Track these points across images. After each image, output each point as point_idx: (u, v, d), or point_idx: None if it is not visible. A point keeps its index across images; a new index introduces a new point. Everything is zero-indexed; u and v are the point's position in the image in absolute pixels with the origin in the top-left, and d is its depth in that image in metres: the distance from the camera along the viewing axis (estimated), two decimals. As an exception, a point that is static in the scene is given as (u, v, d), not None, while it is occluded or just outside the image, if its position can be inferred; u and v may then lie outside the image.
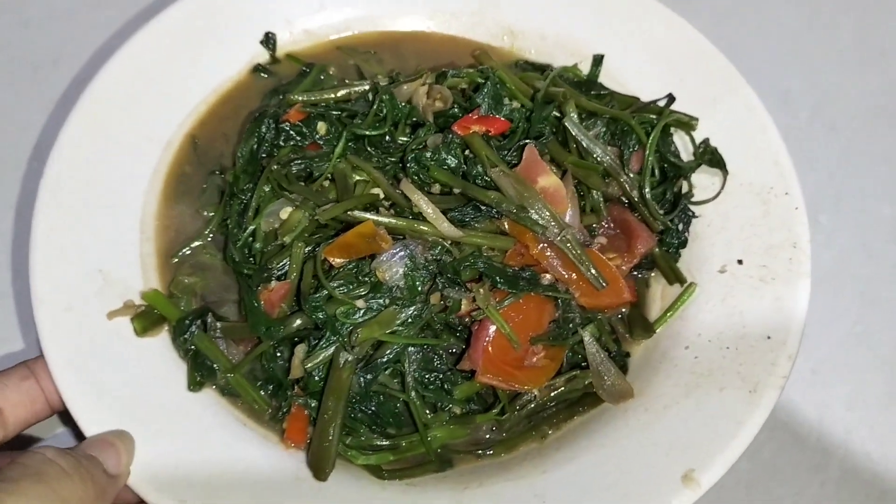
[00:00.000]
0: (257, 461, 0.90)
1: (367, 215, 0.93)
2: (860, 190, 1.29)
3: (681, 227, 1.09)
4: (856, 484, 1.07)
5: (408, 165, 1.01)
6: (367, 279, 0.93)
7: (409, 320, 0.92)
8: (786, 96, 1.36)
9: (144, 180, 1.08)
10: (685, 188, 1.11)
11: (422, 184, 1.02)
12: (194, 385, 0.94)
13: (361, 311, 0.92)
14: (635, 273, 1.09)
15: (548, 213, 0.96)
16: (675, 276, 1.06)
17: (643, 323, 1.03)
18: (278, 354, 0.96)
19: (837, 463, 1.08)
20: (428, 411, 0.94)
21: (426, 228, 0.94)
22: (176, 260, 1.05)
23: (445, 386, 0.94)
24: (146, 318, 0.96)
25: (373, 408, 0.93)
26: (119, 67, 1.10)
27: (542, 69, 1.22)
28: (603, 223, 1.08)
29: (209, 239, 1.07)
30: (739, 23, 1.44)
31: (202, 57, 1.17)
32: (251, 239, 1.01)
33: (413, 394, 0.93)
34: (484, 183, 1.00)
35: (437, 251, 0.94)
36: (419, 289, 0.92)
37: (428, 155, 1.01)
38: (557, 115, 1.09)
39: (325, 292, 0.92)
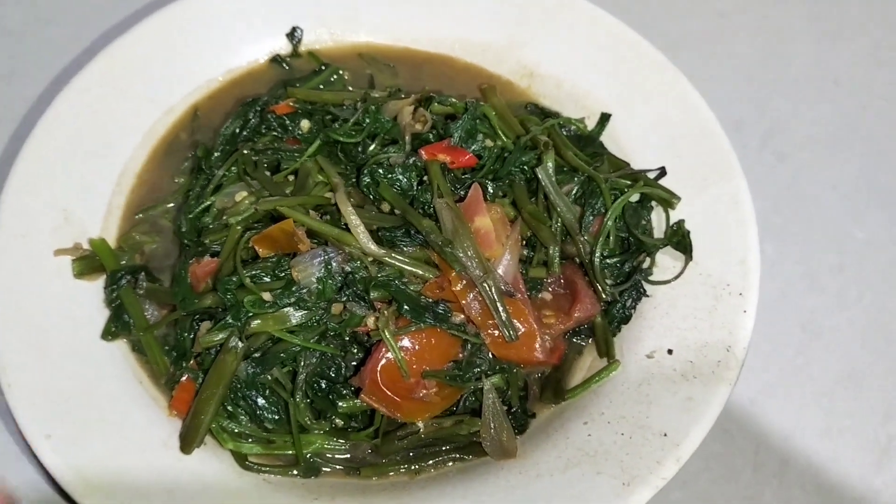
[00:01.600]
0: (136, 417, 0.94)
1: (294, 213, 0.95)
2: (807, 219, 1.29)
3: (629, 302, 1.05)
4: None
5: (362, 176, 1.03)
6: (283, 276, 0.95)
7: (308, 324, 0.94)
8: (738, 125, 1.37)
9: (136, 138, 1.16)
10: (647, 264, 1.07)
11: (372, 198, 1.03)
12: (108, 335, 1.00)
13: (267, 305, 0.94)
14: (574, 338, 1.06)
15: (474, 254, 0.95)
16: (605, 350, 1.02)
17: (556, 388, 1.00)
18: (196, 327, 0.99)
19: (771, 493, 1.06)
20: (310, 416, 0.95)
21: (349, 239, 0.95)
22: (138, 217, 1.11)
23: (332, 396, 0.95)
24: (86, 263, 1.03)
25: (258, 399, 0.95)
26: (146, 31, 1.18)
27: (549, 115, 1.21)
28: (550, 279, 1.05)
29: (171, 205, 1.12)
30: (695, 51, 1.46)
31: (227, 37, 1.23)
32: (204, 213, 1.05)
33: (298, 396, 0.94)
34: (427, 211, 1.00)
35: (356, 265, 0.95)
36: (328, 296, 0.94)
37: (381, 171, 1.02)
38: (536, 162, 1.08)
39: (239, 277, 0.95)
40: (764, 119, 1.41)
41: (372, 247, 0.95)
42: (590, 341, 1.06)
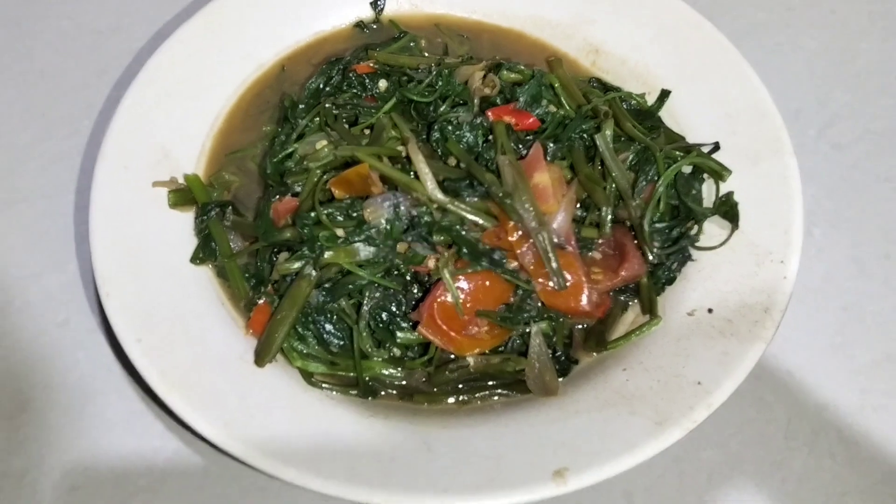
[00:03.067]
0: (216, 333, 1.04)
1: (369, 159, 1.04)
2: (857, 208, 1.32)
3: (675, 265, 1.11)
4: (817, 483, 1.09)
5: (432, 132, 1.12)
6: (355, 215, 1.05)
7: (375, 260, 1.03)
8: (797, 114, 1.41)
9: (229, 88, 1.26)
10: (694, 231, 1.13)
11: (440, 152, 1.12)
12: (196, 259, 1.10)
13: (339, 240, 1.03)
14: (620, 296, 1.12)
15: (531, 207, 1.02)
16: (649, 308, 1.09)
17: (599, 338, 1.07)
18: (274, 258, 1.09)
19: (801, 461, 1.10)
20: (371, 344, 1.04)
21: (417, 186, 1.04)
22: (227, 157, 1.21)
23: (392, 327, 1.03)
24: (180, 195, 1.14)
25: (326, 325, 1.04)
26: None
27: (611, 90, 1.27)
28: (601, 240, 1.12)
29: (257, 150, 1.22)
30: (760, 41, 1.50)
31: (315, 4, 1.33)
32: (287, 158, 1.15)
33: (361, 325, 1.03)
34: (490, 166, 1.08)
35: (422, 210, 1.04)
36: (394, 236, 1.03)
37: (450, 128, 1.10)
38: (595, 130, 1.15)
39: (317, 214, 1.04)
40: (823, 110, 1.45)
41: (438, 194, 1.03)
42: (635, 300, 1.12)
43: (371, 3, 1.36)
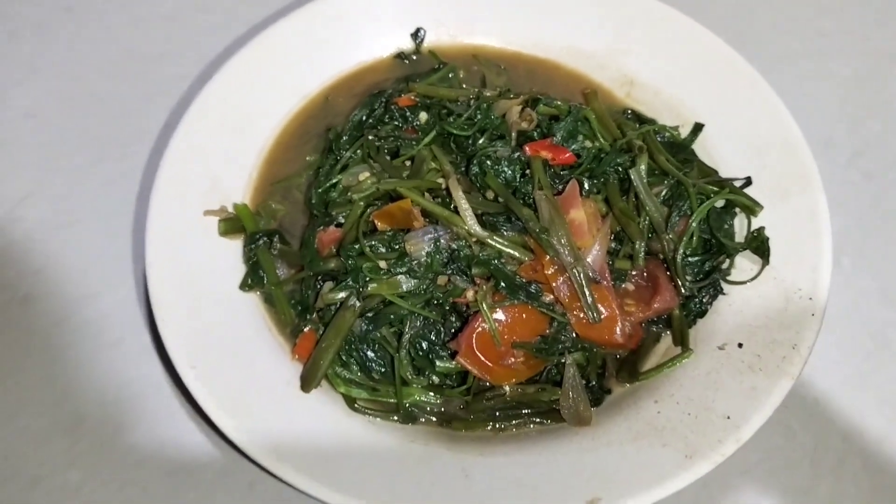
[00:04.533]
0: (264, 358, 1.09)
1: (411, 194, 1.09)
2: (886, 237, 1.34)
3: (706, 298, 1.14)
4: None
5: (471, 166, 1.16)
6: (397, 247, 1.09)
7: (416, 291, 1.07)
8: (828, 141, 1.43)
9: (277, 119, 1.31)
10: (726, 264, 1.16)
11: (479, 186, 1.16)
12: (245, 286, 1.16)
13: (382, 272, 1.08)
14: (653, 327, 1.16)
15: (567, 242, 1.06)
16: (681, 340, 1.12)
17: (632, 369, 1.10)
18: (317, 286, 1.14)
19: (827, 489, 1.13)
20: (411, 372, 1.09)
21: (457, 221, 1.08)
22: (273, 186, 1.26)
23: (431, 356, 1.08)
24: (230, 223, 1.19)
25: (369, 353, 1.09)
26: (288, 26, 1.33)
27: (646, 122, 1.31)
28: (634, 272, 1.16)
29: (303, 179, 1.27)
30: (792, 67, 1.53)
31: (358, 34, 1.38)
32: (331, 189, 1.20)
33: (403, 352, 1.08)
34: (527, 201, 1.12)
35: (461, 243, 1.08)
36: (435, 269, 1.07)
37: (489, 162, 1.15)
38: (630, 164, 1.19)
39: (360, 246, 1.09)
40: (854, 138, 1.47)
41: (477, 228, 1.08)
42: (667, 331, 1.16)
43: (411, 35, 1.40)
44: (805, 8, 1.65)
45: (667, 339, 1.15)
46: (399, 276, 1.07)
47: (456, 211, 1.09)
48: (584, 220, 1.07)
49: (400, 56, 1.40)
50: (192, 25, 1.56)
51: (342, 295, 1.08)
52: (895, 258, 1.33)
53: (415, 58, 1.41)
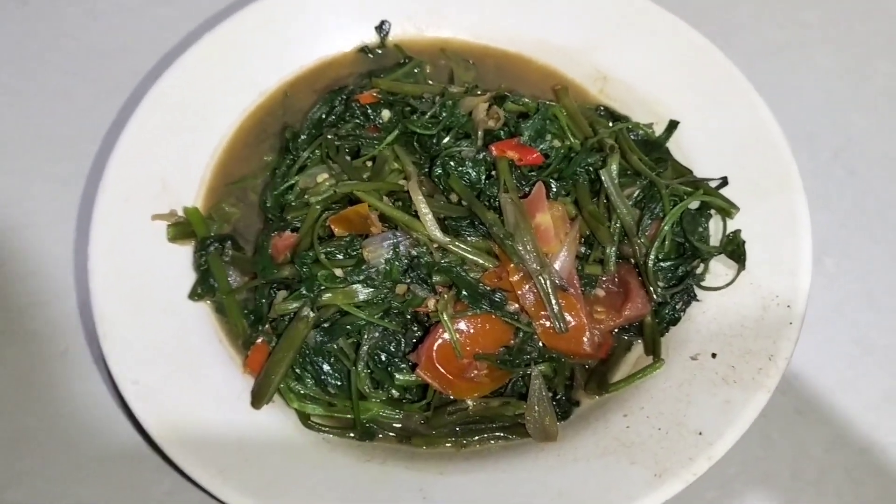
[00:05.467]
0: (214, 372, 1.04)
1: (369, 198, 1.03)
2: (870, 235, 1.29)
3: (679, 305, 1.09)
4: None
5: (434, 167, 1.10)
6: (355, 254, 1.04)
7: (373, 301, 1.02)
8: (811, 137, 1.38)
9: (231, 117, 1.25)
10: (700, 269, 1.11)
11: (442, 188, 1.10)
12: (194, 295, 1.10)
13: (338, 280, 1.02)
14: (623, 335, 1.11)
15: (532, 248, 1.01)
16: (652, 349, 1.07)
17: (601, 380, 1.05)
18: (271, 295, 1.08)
19: (807, 501, 1.09)
20: (369, 386, 1.03)
21: (417, 226, 1.02)
22: (227, 187, 1.20)
23: (390, 369, 1.03)
24: (180, 229, 1.13)
25: (324, 366, 1.04)
26: (246, 18, 1.27)
27: (619, 119, 1.25)
28: (605, 277, 1.10)
29: (259, 181, 1.21)
30: (774, 61, 1.47)
31: (320, 27, 1.31)
32: (287, 191, 1.14)
33: (360, 366, 1.03)
34: (492, 203, 1.07)
35: (422, 250, 1.02)
36: (394, 277, 1.01)
37: (452, 164, 1.09)
38: (601, 164, 1.13)
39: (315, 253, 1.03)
40: (838, 133, 1.42)
41: (437, 234, 1.02)
42: (638, 339, 1.10)
43: (376, 28, 1.34)
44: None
45: (638, 348, 1.10)
46: (356, 285, 1.01)
47: (416, 215, 1.03)
48: (550, 224, 1.02)
49: (364, 50, 1.34)
50: (152, 19, 1.49)
51: (296, 305, 1.02)
52: (880, 258, 1.29)
53: (380, 52, 1.35)
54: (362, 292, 1.01)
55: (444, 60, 1.34)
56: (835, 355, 1.20)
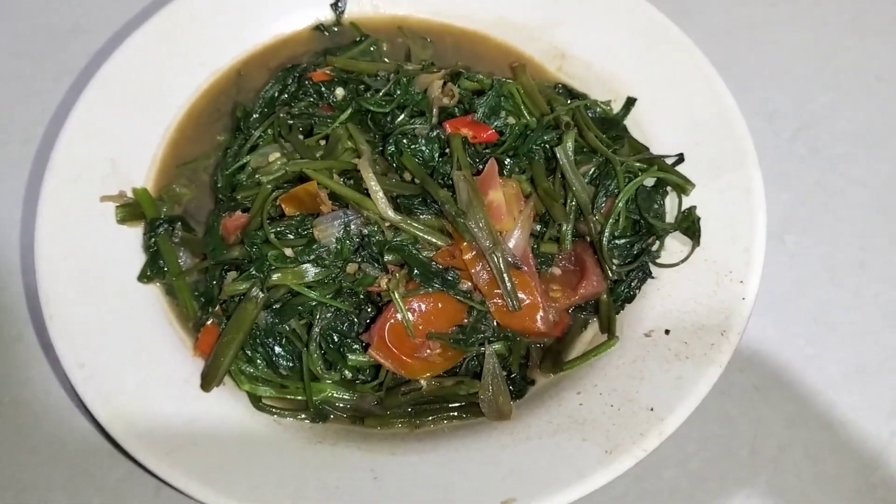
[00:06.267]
0: (163, 355, 1.02)
1: (318, 176, 1.01)
2: (832, 213, 1.29)
3: (634, 282, 1.08)
4: (781, 501, 1.07)
5: (387, 145, 1.08)
6: (305, 234, 1.02)
7: (324, 280, 1.00)
8: (773, 115, 1.38)
9: (184, 96, 1.23)
10: (656, 246, 1.10)
11: (396, 166, 1.09)
12: (144, 278, 1.08)
13: (288, 260, 1.01)
14: (580, 313, 1.10)
15: (485, 226, 1.00)
16: (607, 327, 1.06)
17: (556, 359, 1.05)
18: (223, 276, 1.07)
19: (766, 478, 1.09)
20: (322, 367, 1.02)
21: (368, 204, 1.01)
22: (179, 169, 1.18)
23: (342, 349, 1.01)
24: (129, 210, 1.11)
25: (275, 347, 1.02)
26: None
27: (577, 97, 1.24)
28: (561, 255, 1.09)
29: (211, 161, 1.19)
30: (737, 39, 1.46)
31: (273, 6, 1.29)
32: (239, 171, 1.12)
33: (312, 346, 1.01)
34: (446, 182, 1.05)
35: (373, 229, 1.01)
36: (345, 256, 1.00)
37: (405, 141, 1.07)
38: (557, 141, 1.12)
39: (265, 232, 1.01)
40: (800, 111, 1.41)
41: (389, 212, 1.01)
42: (595, 317, 1.10)
43: (331, 5, 1.32)
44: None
45: (594, 327, 1.09)
46: (306, 265, 1.00)
47: (368, 194, 1.02)
48: (502, 201, 1.01)
49: (319, 28, 1.32)
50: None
51: (245, 286, 1.01)
52: (842, 235, 1.28)
53: (336, 30, 1.33)
54: (312, 272, 1.00)
55: (402, 38, 1.32)
56: (795, 333, 1.20)
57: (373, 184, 1.01)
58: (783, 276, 1.24)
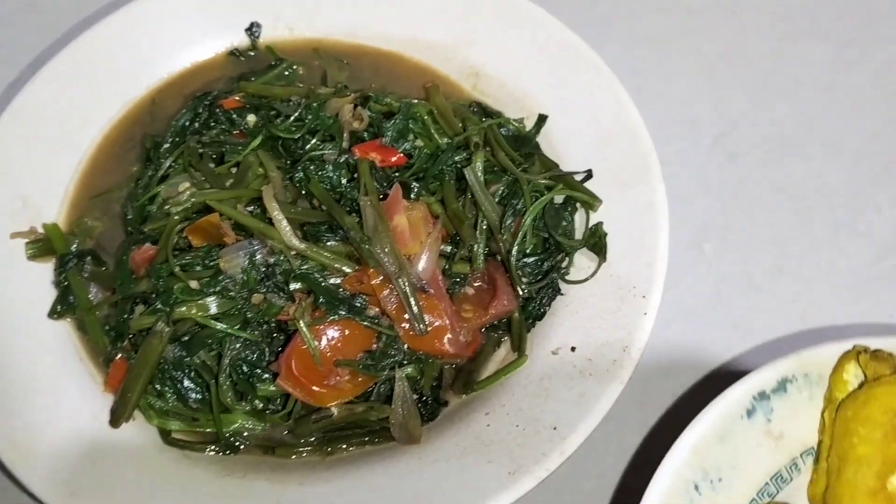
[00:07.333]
0: (70, 391, 1.02)
1: (220, 206, 1.02)
2: (750, 219, 1.30)
3: (544, 299, 1.09)
4: None
5: (296, 172, 1.09)
6: (212, 265, 1.02)
7: (230, 312, 1.00)
8: (693, 122, 1.38)
9: (97, 127, 1.23)
10: (565, 263, 1.11)
11: (304, 193, 1.09)
12: (54, 314, 1.08)
13: (194, 292, 1.01)
14: (493, 332, 1.11)
15: (391, 251, 1.00)
16: (518, 345, 1.07)
17: (467, 379, 1.06)
18: (133, 310, 1.07)
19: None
20: (232, 397, 1.02)
21: (272, 233, 1.01)
22: (92, 201, 1.18)
23: (252, 380, 1.02)
24: (39, 247, 1.11)
25: (184, 380, 1.02)
26: (111, 24, 1.25)
27: (492, 115, 1.25)
28: (474, 275, 1.10)
29: (125, 192, 1.19)
30: (656, 48, 1.46)
31: (189, 32, 1.29)
32: (150, 202, 1.12)
33: (222, 377, 1.01)
34: (355, 208, 1.06)
35: (280, 258, 1.01)
36: (251, 286, 1.00)
37: (312, 168, 1.08)
38: (468, 161, 1.13)
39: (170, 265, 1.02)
40: (720, 118, 1.42)
41: (294, 241, 1.01)
42: (508, 335, 1.11)
43: (246, 30, 1.32)
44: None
45: (507, 345, 1.10)
46: (210, 297, 1.00)
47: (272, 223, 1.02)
48: (406, 227, 1.02)
49: (234, 53, 1.32)
50: (22, 25, 1.45)
51: (151, 320, 1.01)
52: (759, 241, 1.30)
53: (252, 54, 1.33)
54: (217, 304, 1.00)
55: (318, 61, 1.32)
56: (714, 339, 1.21)
57: (276, 213, 1.01)
58: (702, 283, 1.25)
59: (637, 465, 1.11)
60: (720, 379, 1.17)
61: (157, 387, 1.02)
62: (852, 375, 0.92)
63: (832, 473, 0.90)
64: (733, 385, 0.93)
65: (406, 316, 1.01)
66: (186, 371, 1.02)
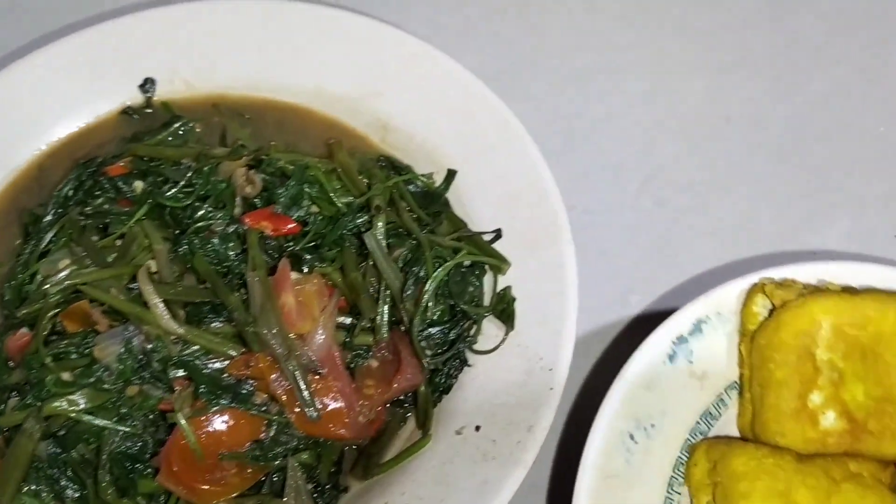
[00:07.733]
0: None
1: (89, 290, 0.95)
2: (679, 268, 1.25)
3: (452, 371, 1.03)
4: None
5: (180, 247, 1.02)
6: (88, 353, 0.95)
7: (104, 405, 0.93)
8: (618, 168, 1.34)
9: (-23, 199, 1.15)
10: (473, 331, 1.05)
11: (190, 267, 1.02)
12: (-75, 410, 1.00)
13: (66, 384, 0.93)
14: (398, 407, 1.04)
15: (278, 332, 0.94)
16: (423, 423, 1.01)
17: (367, 463, 0.99)
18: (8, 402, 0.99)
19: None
20: (114, 494, 0.95)
21: (148, 317, 0.94)
22: (-30, 281, 1.10)
23: (132, 476, 0.94)
24: None
25: (61, 479, 0.95)
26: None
27: (401, 170, 1.19)
28: (379, 346, 1.04)
29: (6, 268, 1.11)
30: (581, 89, 1.42)
31: (76, 92, 1.22)
32: (28, 280, 1.05)
33: (101, 473, 0.94)
34: (243, 282, 0.99)
35: (159, 343, 0.94)
36: (126, 377, 0.93)
37: (197, 241, 1.01)
38: (370, 225, 1.07)
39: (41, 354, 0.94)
40: (646, 161, 1.37)
41: (171, 324, 0.94)
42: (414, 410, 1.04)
43: (140, 86, 1.25)
44: (602, 22, 1.54)
45: (413, 421, 1.04)
46: (84, 390, 0.93)
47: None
48: (293, 306, 0.95)
49: (127, 112, 1.25)
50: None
51: (19, 416, 0.93)
52: (687, 290, 1.24)
53: (149, 111, 1.26)
54: (90, 397, 0.93)
55: (218, 117, 1.26)
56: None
57: (150, 295, 0.94)
58: (629, 340, 1.20)
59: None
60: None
61: (33, 486, 0.94)
62: (761, 307, 0.96)
63: (756, 402, 0.93)
64: (652, 333, 0.96)
65: (297, 401, 0.94)
66: (63, 468, 0.95)
